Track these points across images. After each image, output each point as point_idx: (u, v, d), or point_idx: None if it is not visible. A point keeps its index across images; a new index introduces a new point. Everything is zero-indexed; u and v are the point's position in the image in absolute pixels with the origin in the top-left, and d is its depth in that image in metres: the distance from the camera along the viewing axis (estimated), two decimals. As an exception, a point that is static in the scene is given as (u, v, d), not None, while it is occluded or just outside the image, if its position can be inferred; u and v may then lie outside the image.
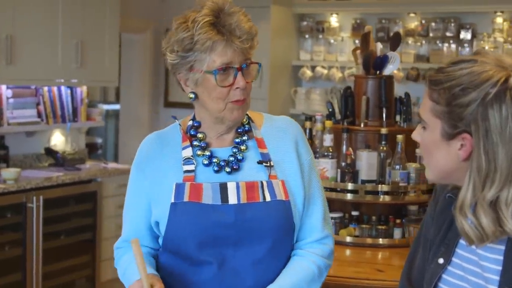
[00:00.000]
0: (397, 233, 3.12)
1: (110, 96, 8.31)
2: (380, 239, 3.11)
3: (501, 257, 1.41)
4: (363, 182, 3.11)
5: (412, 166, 3.14)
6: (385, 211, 3.16)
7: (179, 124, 1.90)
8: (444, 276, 1.52)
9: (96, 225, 5.04)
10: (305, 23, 6.24)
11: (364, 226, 3.13)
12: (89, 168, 5.18)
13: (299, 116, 5.84)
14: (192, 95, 1.80)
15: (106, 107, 7.78)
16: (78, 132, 5.69)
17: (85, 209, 4.99)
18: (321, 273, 1.84)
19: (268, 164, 1.82)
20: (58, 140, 5.46)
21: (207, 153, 1.83)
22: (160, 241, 1.85)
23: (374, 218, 3.14)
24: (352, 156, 3.14)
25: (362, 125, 3.25)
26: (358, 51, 3.41)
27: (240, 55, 1.74)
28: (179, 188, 1.77)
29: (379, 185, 3.11)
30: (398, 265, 2.98)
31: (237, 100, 1.77)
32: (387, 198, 3.11)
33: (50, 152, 5.25)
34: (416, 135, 1.52)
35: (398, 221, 3.12)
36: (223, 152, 1.84)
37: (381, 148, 3.14)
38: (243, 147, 1.84)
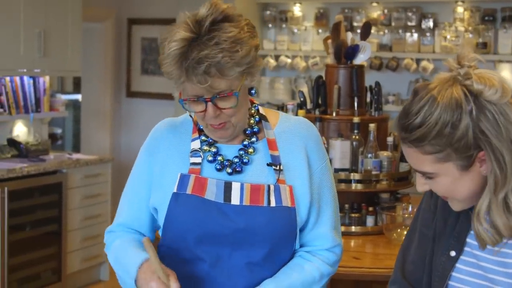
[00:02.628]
0: (370, 220, 3.17)
1: (68, 86, 8.20)
2: (353, 227, 3.16)
3: None
4: (336, 170, 3.14)
5: (384, 154, 3.19)
6: (358, 199, 3.20)
7: (191, 115, 1.85)
8: (457, 266, 1.53)
9: (62, 216, 4.98)
10: (268, 12, 6.25)
11: (337, 214, 3.17)
12: (53, 159, 5.10)
13: (263, 105, 5.84)
14: (180, 99, 1.74)
15: (64, 97, 7.68)
16: (41, 123, 5.61)
17: (50, 201, 4.92)
18: (322, 279, 1.80)
19: (278, 168, 1.75)
20: (20, 130, 5.37)
21: (213, 149, 1.78)
22: (160, 232, 1.81)
23: (347, 206, 3.18)
24: (325, 145, 3.17)
25: (334, 114, 3.29)
26: (329, 41, 3.44)
27: (206, 88, 1.63)
28: (184, 179, 1.74)
29: (352, 174, 3.15)
30: (372, 252, 3.04)
31: (213, 125, 1.72)
32: (359, 186, 3.16)
33: (13, 143, 5.16)
34: (423, 187, 1.49)
35: (370, 209, 3.17)
36: (230, 150, 1.78)
37: (354, 137, 3.18)
38: (250, 150, 1.77)
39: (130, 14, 6.84)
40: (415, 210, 3.10)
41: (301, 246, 1.82)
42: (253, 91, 1.80)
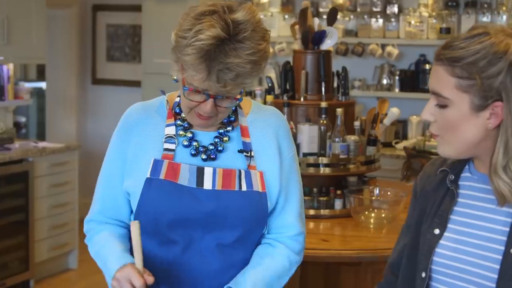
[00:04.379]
0: (338, 204, 3.21)
1: (31, 74, 8.10)
2: (322, 210, 3.20)
3: (510, 219, 1.50)
4: (305, 155, 3.18)
5: (352, 138, 3.24)
6: (326, 183, 3.24)
7: (166, 99, 1.85)
8: (441, 242, 1.58)
9: (29, 205, 4.93)
10: (234, -2, 6.24)
11: (306, 198, 3.20)
12: (18, 148, 5.05)
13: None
14: (175, 78, 1.76)
15: (28, 85, 7.59)
16: (6, 111, 5.54)
17: (17, 190, 4.87)
18: (291, 268, 1.84)
19: (249, 154, 1.79)
20: (-16, 119, 5.31)
21: (189, 134, 1.80)
22: (132, 217, 1.83)
23: (315, 190, 3.22)
24: (293, 130, 3.20)
25: (302, 99, 3.32)
26: (296, 27, 3.46)
27: (221, 90, 1.65)
28: (157, 165, 1.75)
29: (320, 158, 3.19)
30: (340, 235, 3.08)
31: (201, 115, 1.73)
32: (327, 170, 3.19)
33: (-23, 132, 5.10)
34: (428, 116, 1.54)
35: (339, 192, 3.21)
36: (206, 136, 1.81)
37: (321, 121, 3.22)
38: (225, 138, 1.80)
39: (95, 0, 6.78)
40: (382, 192, 3.18)
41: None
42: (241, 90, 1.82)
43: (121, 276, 1.64)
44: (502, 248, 1.48)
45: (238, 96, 1.72)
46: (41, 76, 6.91)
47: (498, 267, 1.48)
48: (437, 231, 1.59)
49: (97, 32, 6.81)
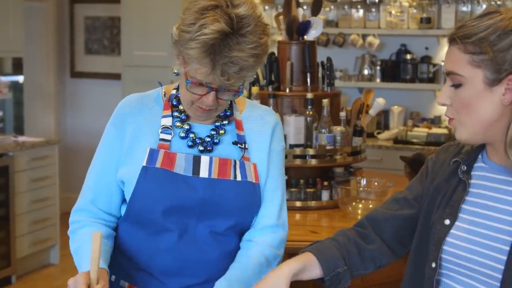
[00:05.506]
0: (325, 195, 3.19)
1: (7, 67, 8.00)
2: (309, 202, 3.19)
3: None
4: (291, 146, 3.16)
5: (338, 129, 3.22)
6: (313, 174, 3.23)
7: (163, 91, 1.87)
8: (452, 231, 1.58)
9: (9, 200, 4.87)
10: (214, -11, 6.19)
11: (292, 189, 3.19)
12: (-2, 142, 4.99)
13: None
14: (175, 71, 1.77)
15: (5, 79, 7.49)
16: (-17, 106, 5.47)
17: (-3, 185, 4.82)
18: (270, 263, 1.84)
19: (243, 146, 1.84)
20: (-38, 114, 5.23)
21: (186, 126, 1.82)
22: (123, 209, 1.82)
23: (302, 181, 3.21)
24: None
25: (287, 91, 3.30)
26: (281, 17, 3.44)
27: (224, 83, 1.68)
28: (153, 154, 1.77)
29: (307, 149, 3.17)
30: (328, 226, 3.07)
31: (202, 108, 1.76)
32: (314, 162, 3.18)
33: (-45, 127, 5.02)
34: (444, 99, 1.55)
35: (325, 183, 3.20)
36: (202, 129, 1.84)
37: (307, 112, 3.20)
38: (221, 131, 1.84)
39: (72, -8, 6.70)
40: (368, 183, 3.18)
41: None
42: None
43: (70, 282, 1.65)
44: (510, 239, 1.48)
45: (239, 89, 1.74)
46: (18, 69, 6.82)
47: (505, 258, 1.47)
48: (447, 222, 1.59)
49: (75, 24, 6.73)
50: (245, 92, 3.34)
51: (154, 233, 1.78)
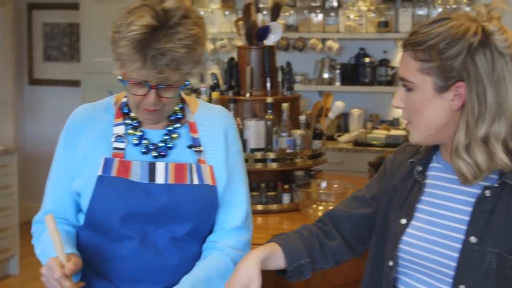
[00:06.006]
0: (286, 198, 3.22)
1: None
2: (270, 205, 3.21)
3: (470, 209, 1.53)
4: (252, 150, 3.18)
5: (298, 133, 3.25)
6: (274, 177, 3.25)
7: (114, 99, 1.88)
8: (407, 231, 1.61)
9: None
10: (173, -5, 6.18)
11: (254, 193, 3.20)
12: (-45, 152, 4.90)
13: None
14: (119, 77, 1.77)
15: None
16: None
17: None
18: (235, 265, 1.83)
19: (198, 149, 1.84)
20: None
21: (138, 133, 1.83)
22: (82, 217, 1.82)
23: (263, 185, 3.22)
24: (240, 126, 3.20)
25: (248, 95, 3.32)
26: (241, 22, 3.46)
27: (159, 78, 1.68)
28: (108, 163, 1.77)
29: (267, 153, 3.19)
30: (289, 228, 3.06)
31: (148, 109, 1.76)
32: (275, 165, 3.20)
33: None
34: (398, 102, 1.59)
35: (286, 186, 3.22)
36: (155, 134, 1.84)
37: (268, 116, 3.22)
38: (174, 135, 1.84)
39: (30, -1, 6.62)
40: (328, 186, 3.21)
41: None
42: (187, 82, 1.84)
43: (44, 271, 1.66)
44: (462, 237, 1.51)
45: (181, 85, 1.74)
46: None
47: (457, 255, 1.51)
48: (403, 221, 1.62)
49: (33, 31, 6.65)
50: (206, 97, 3.35)
51: (114, 240, 1.78)
